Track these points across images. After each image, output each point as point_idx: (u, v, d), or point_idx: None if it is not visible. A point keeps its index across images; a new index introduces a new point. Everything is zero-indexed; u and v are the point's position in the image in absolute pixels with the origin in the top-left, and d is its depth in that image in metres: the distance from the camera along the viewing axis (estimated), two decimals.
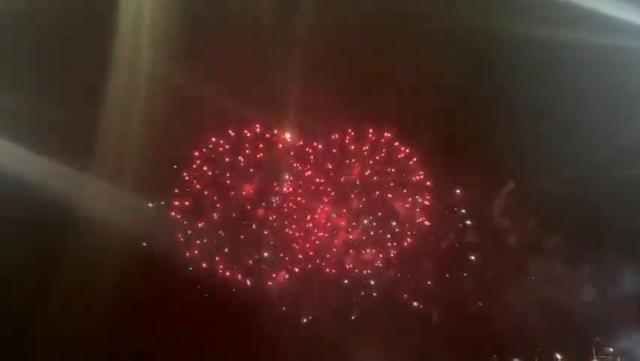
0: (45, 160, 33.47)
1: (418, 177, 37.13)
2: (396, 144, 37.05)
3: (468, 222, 36.85)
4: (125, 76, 34.55)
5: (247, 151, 37.09)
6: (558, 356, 34.13)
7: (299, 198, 36.90)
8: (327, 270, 36.26)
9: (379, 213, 36.79)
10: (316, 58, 34.35)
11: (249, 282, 36.13)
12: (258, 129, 37.24)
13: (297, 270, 36.34)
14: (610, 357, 33.07)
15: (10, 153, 32.86)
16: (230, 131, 37.03)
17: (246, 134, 37.09)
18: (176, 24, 33.86)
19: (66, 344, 33.04)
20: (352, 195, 36.86)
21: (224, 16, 34.57)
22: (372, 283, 36.33)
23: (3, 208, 32.16)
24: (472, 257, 36.59)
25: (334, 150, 37.28)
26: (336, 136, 37.07)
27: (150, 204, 36.37)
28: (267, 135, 37.50)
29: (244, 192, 36.83)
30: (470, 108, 35.70)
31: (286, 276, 36.40)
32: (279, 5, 35.08)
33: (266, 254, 36.30)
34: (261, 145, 37.35)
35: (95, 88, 34.17)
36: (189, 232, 36.26)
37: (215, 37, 34.53)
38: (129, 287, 33.53)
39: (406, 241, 36.72)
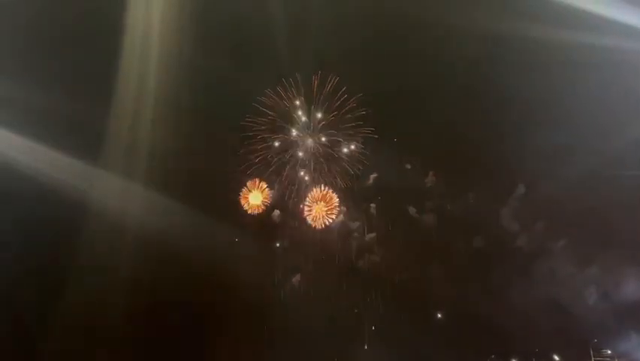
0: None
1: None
2: None
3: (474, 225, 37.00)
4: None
5: None
6: (556, 357, 34.76)
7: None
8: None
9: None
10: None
11: None
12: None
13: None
14: (608, 359, 33.46)
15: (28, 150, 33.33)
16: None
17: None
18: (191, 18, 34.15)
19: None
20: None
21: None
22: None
23: (19, 204, 32.74)
24: (476, 259, 36.88)
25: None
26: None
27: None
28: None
29: None
30: (475, 113, 35.84)
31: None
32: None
33: None
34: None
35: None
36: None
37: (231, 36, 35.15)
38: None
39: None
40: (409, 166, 37.42)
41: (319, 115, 36.70)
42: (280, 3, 34.56)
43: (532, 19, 32.38)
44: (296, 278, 37.04)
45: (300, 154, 37.43)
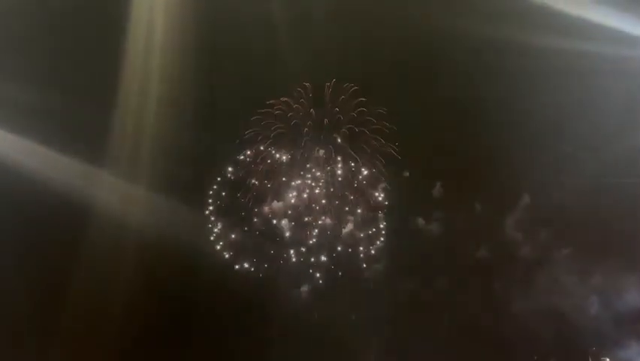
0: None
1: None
2: None
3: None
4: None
5: None
6: None
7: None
8: None
9: None
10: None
11: None
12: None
13: None
14: None
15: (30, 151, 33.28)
16: None
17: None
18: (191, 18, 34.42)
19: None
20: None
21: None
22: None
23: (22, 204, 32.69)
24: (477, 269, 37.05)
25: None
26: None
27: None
28: None
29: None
30: (476, 122, 36.49)
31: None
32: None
33: None
34: None
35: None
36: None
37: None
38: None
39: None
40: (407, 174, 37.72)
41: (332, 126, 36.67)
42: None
43: (535, 28, 33.51)
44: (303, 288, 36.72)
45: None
